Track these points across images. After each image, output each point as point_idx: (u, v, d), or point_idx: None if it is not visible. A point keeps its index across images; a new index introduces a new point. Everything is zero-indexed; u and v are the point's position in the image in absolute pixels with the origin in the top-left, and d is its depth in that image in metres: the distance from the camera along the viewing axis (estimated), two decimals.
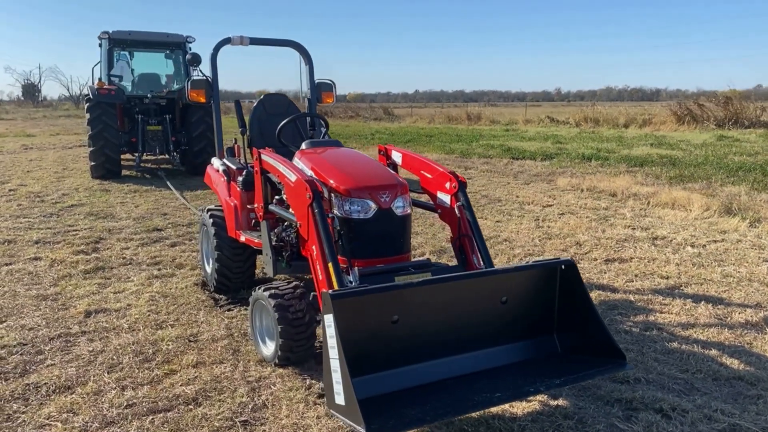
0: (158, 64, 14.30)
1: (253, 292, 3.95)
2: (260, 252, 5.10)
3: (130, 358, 3.89)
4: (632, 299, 4.92)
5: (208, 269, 5.37)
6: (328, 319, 2.77)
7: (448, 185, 3.95)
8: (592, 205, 9.08)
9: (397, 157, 4.56)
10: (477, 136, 22.31)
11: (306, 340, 3.72)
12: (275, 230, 4.24)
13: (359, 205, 3.67)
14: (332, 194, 3.71)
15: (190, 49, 13.76)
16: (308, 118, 5.67)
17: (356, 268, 3.42)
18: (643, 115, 26.06)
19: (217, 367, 3.75)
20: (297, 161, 4.15)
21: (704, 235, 7.05)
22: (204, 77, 5.42)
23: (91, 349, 4.04)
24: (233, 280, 5.12)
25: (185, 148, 12.96)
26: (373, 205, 3.69)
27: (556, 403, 3.29)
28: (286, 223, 4.22)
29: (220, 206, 5.27)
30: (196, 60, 5.40)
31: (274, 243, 4.22)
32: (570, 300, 3.38)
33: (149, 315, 4.66)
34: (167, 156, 13.22)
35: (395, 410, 2.74)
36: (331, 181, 3.73)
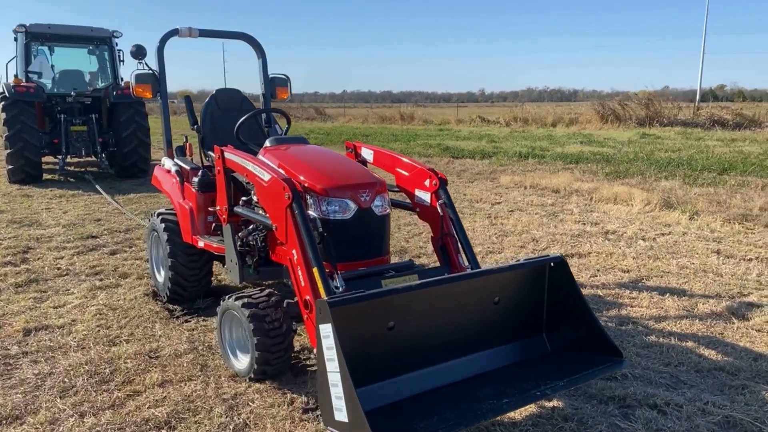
0: (81, 61, 13.40)
1: (221, 302, 3.64)
2: (219, 258, 4.79)
3: (84, 379, 3.50)
4: (601, 294, 4.94)
5: (160, 278, 4.98)
6: (326, 329, 2.55)
7: (427, 183, 3.79)
8: (538, 202, 9.19)
9: (367, 154, 4.36)
10: (413, 135, 22.37)
11: (284, 351, 3.47)
12: (239, 234, 3.96)
13: (338, 205, 3.45)
14: (307, 194, 3.47)
15: (117, 44, 13.00)
16: (263, 115, 5.38)
17: (340, 272, 3.20)
18: (569, 114, 26.99)
19: (186, 385, 3.43)
20: (263, 160, 3.87)
21: (651, 229, 7.25)
22: (150, 71, 5.03)
23: (36, 371, 3.61)
24: (189, 289, 4.77)
25: (113, 150, 12.21)
26: (352, 205, 3.48)
27: (551, 404, 3.19)
28: (252, 227, 3.94)
29: (172, 210, 4.90)
30: (140, 52, 4.98)
31: (239, 248, 3.94)
32: (560, 298, 3.30)
33: (99, 330, 4.25)
34: (94, 158, 12.42)
35: (402, 424, 2.55)
36: (306, 180, 3.48)
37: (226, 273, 4.09)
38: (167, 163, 4.96)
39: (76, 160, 13.12)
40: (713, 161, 13.00)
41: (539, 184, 10.63)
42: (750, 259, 5.89)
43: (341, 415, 2.51)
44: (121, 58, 13.04)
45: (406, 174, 3.97)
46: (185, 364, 3.69)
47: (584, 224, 7.61)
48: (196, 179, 4.56)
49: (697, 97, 47.77)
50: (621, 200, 9.05)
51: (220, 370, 3.63)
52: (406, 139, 20.39)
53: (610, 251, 6.24)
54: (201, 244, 4.41)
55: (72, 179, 12.18)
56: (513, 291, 3.28)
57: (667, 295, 4.87)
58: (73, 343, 4.03)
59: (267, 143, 4.16)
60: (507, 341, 3.26)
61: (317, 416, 3.13)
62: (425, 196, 3.83)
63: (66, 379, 3.50)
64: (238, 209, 3.88)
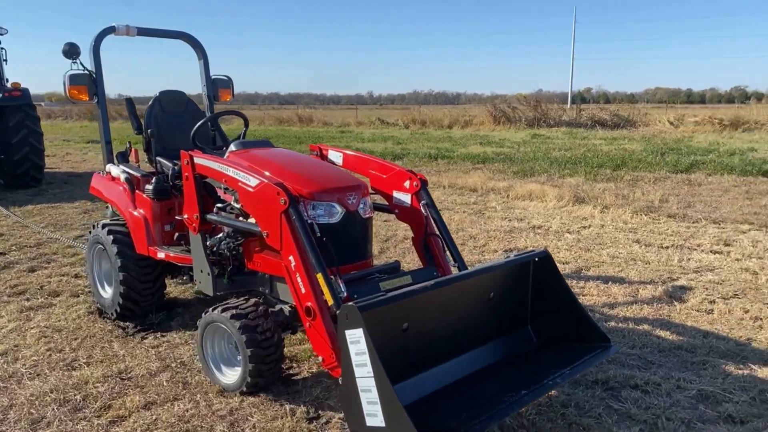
0: None
1: (203, 315, 3.46)
2: (175, 270, 4.54)
3: (54, 409, 3.19)
4: None
5: (106, 294, 4.63)
6: (355, 334, 2.52)
7: (407, 184, 3.82)
8: (461, 201, 9.50)
9: (336, 157, 4.30)
10: (316, 137, 22.24)
11: (276, 362, 3.36)
12: (208, 243, 3.78)
13: (324, 209, 3.40)
14: None
15: (0, 42, 11.85)
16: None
17: (337, 275, 3.15)
18: (464, 116, 28.02)
19: (174, 405, 3.23)
20: (242, 164, 3.72)
21: (572, 223, 7.74)
22: (85, 71, 4.66)
23: None
24: (142, 303, 4.47)
25: (2, 158, 11.11)
26: (339, 209, 3.44)
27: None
28: (222, 234, 3.78)
29: (120, 220, 4.57)
30: (74, 51, 4.61)
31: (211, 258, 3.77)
32: (545, 290, 3.46)
33: (50, 355, 3.88)
34: None
35: (434, 423, 2.57)
36: (291, 185, 3.39)
37: (196, 285, 3.87)
38: (114, 170, 4.62)
39: None
40: (604, 159, 14.06)
41: (456, 183, 10.98)
42: (666, 247, 6.46)
43: (376, 420, 2.49)
44: (5, 57, 11.93)
45: (383, 176, 3.97)
46: (165, 383, 3.47)
47: (511, 220, 7.97)
48: (150, 187, 4.29)
49: (569, 99, 51.44)
50: (536, 197, 9.56)
51: (204, 386, 3.45)
52: (311, 142, 20.21)
53: (545, 245, 6.59)
54: (161, 255, 4.15)
55: None
56: (504, 286, 3.39)
57: (610, 283, 5.24)
58: (25, 371, 3.65)
59: (232, 147, 4.01)
60: (501, 335, 3.37)
61: (323, 424, 3.07)
62: (405, 198, 3.86)
63: (32, 410, 3.17)
64: (212, 217, 3.70)
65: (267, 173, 3.46)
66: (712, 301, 4.74)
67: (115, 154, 4.85)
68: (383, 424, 2.45)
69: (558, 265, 5.74)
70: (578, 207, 8.74)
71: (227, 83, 5.52)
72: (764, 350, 3.84)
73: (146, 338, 4.21)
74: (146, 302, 4.49)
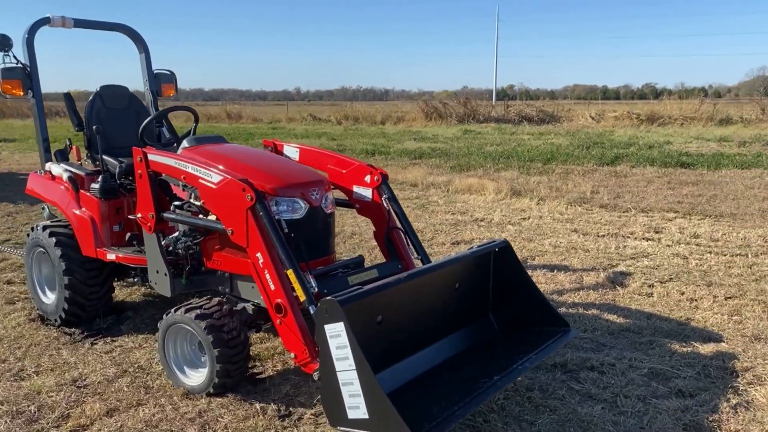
0: None
1: (165, 317, 3.36)
2: (122, 272, 4.37)
3: (7, 421, 3.01)
4: None
5: (48, 300, 4.40)
6: (335, 329, 2.52)
7: (368, 179, 3.84)
8: (403, 195, 9.59)
9: (291, 152, 4.26)
10: (247, 134, 21.81)
11: (243, 361, 3.31)
12: (163, 242, 3.67)
13: (288, 205, 3.37)
14: None
15: None
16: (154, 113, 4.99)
17: (308, 271, 3.13)
18: (396, 113, 28.25)
19: (139, 410, 3.11)
20: (200, 160, 3.62)
21: (513, 215, 7.99)
22: (19, 65, 4.40)
23: None
24: (88, 308, 4.28)
25: None
26: (303, 204, 3.42)
27: None
28: (177, 233, 3.67)
29: (61, 222, 4.35)
30: (5, 43, 4.33)
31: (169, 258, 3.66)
32: (505, 279, 3.57)
33: None
34: None
35: (418, 410, 2.61)
36: (252, 181, 3.34)
37: (151, 286, 3.74)
38: (55, 169, 4.39)
39: None
40: (534, 153, 14.56)
41: (396, 178, 11.07)
42: (603, 236, 6.78)
43: (358, 412, 2.51)
44: None
45: (342, 171, 3.97)
46: (125, 389, 3.34)
47: (454, 214, 8.14)
48: (96, 186, 4.11)
49: (494, 96, 52.91)
50: (475, 190, 9.79)
51: (167, 389, 3.35)
52: (243, 139, 19.84)
53: (490, 236, 6.77)
54: (111, 256, 3.99)
55: None
56: (468, 277, 3.48)
57: (555, 271, 5.45)
58: None
59: (185, 143, 3.89)
60: (466, 323, 3.46)
61: (295, 421, 3.06)
62: (366, 192, 3.88)
63: None
64: (170, 215, 3.59)
65: (226, 170, 3.39)
66: (651, 285, 5.03)
67: (53, 153, 4.60)
68: (366, 416, 2.47)
69: None
70: (516, 199, 9.03)
71: (170, 78, 5.35)
72: (702, 329, 4.12)
73: (96, 344, 4.04)
74: (93, 307, 4.31)
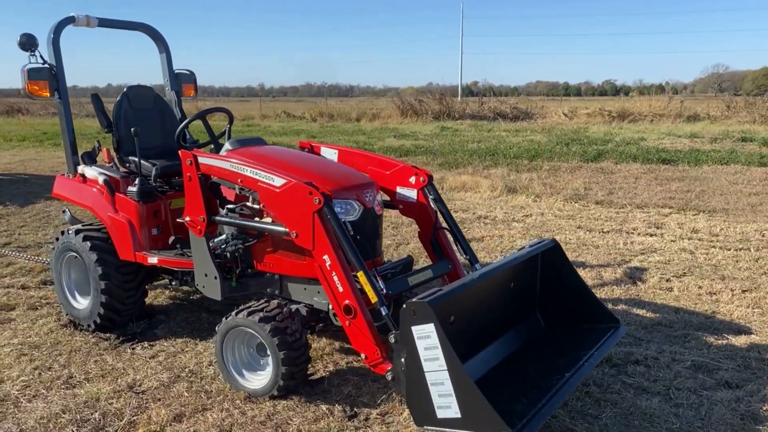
0: None
1: (224, 320, 3.34)
2: (156, 275, 4.33)
3: (73, 430, 2.96)
4: None
5: (79, 305, 4.31)
6: (424, 330, 2.57)
7: (413, 180, 3.88)
8: None
9: (330, 154, 4.26)
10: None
11: (305, 362, 3.32)
12: (210, 245, 3.65)
13: (343, 207, 3.39)
14: None
15: None
16: (179, 115, 4.95)
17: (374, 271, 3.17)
18: (371, 109, 28.25)
19: (206, 415, 3.10)
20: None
21: (514, 212, 8.12)
22: (45, 65, 4.30)
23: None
24: (124, 313, 4.22)
25: None
26: (357, 206, 3.45)
27: None
28: (224, 236, 3.65)
29: (95, 225, 4.27)
30: (31, 43, 4.22)
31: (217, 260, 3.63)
32: (552, 277, 3.66)
33: (39, 373, 3.57)
34: None
35: (502, 408, 2.66)
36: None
37: (198, 289, 3.70)
38: (89, 172, 4.29)
39: None
40: (517, 150, 14.76)
41: None
42: (607, 232, 6.97)
43: (449, 411, 2.56)
44: None
45: (385, 172, 4.00)
46: (185, 394, 3.32)
47: (456, 211, 8.22)
48: (134, 189, 4.05)
49: (459, 93, 53.27)
50: (469, 188, 9.91)
51: (227, 393, 3.33)
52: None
53: (499, 234, 6.89)
54: (153, 260, 3.94)
55: None
56: (519, 276, 3.56)
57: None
58: (17, 393, 3.35)
59: (228, 145, 3.87)
60: (518, 322, 3.54)
61: (363, 421, 3.09)
62: (410, 193, 3.91)
63: None
64: (222, 218, 3.57)
65: (288, 173, 3.38)
66: (668, 280, 5.20)
67: (80, 155, 4.50)
68: (458, 415, 2.53)
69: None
70: (512, 196, 9.17)
71: (190, 77, 5.29)
72: (729, 321, 4.29)
73: (135, 348, 3.98)
74: (128, 311, 4.25)
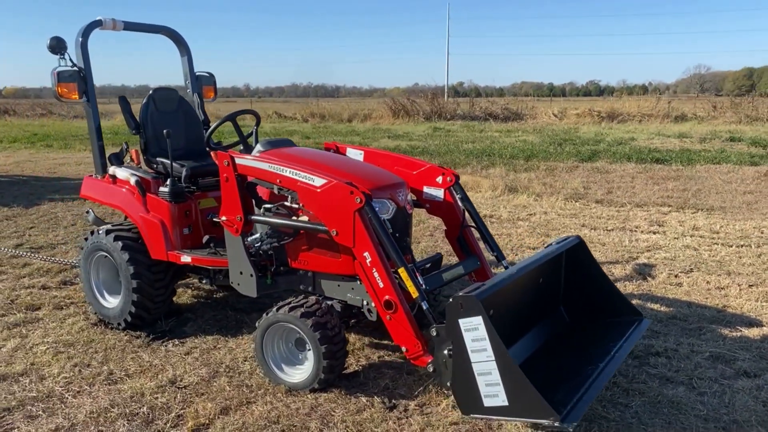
0: None
1: (265, 316, 3.45)
2: (185, 273, 4.42)
3: (125, 424, 3.04)
4: None
5: (109, 304, 4.38)
6: (471, 323, 2.69)
7: (440, 179, 4.00)
8: None
9: (355, 154, 4.37)
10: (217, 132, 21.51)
11: (344, 356, 3.44)
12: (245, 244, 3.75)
13: (379, 206, 3.51)
14: None
15: None
16: (203, 117, 5.04)
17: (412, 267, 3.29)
18: (363, 110, 28.35)
19: (252, 408, 3.20)
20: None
21: (517, 210, 8.27)
22: (75, 68, 4.36)
23: (53, 427, 3.03)
24: (153, 311, 4.30)
25: None
26: (392, 205, 3.57)
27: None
28: (258, 235, 3.75)
29: (125, 225, 4.34)
30: (60, 46, 4.29)
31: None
32: (576, 272, 3.81)
33: (79, 370, 3.65)
34: None
35: (546, 396, 2.79)
36: None
37: (234, 287, 3.79)
38: (120, 173, 4.36)
39: None
40: (512, 150, 14.95)
41: None
42: (611, 230, 7.14)
43: (496, 400, 2.68)
44: None
45: (412, 172, 4.12)
46: (227, 388, 3.41)
47: None
48: (166, 189, 4.13)
49: (446, 93, 53.50)
50: (470, 188, 10.04)
51: (268, 387, 3.43)
52: (216, 138, 19.56)
53: (507, 233, 7.03)
54: (186, 259, 4.03)
55: None
56: (546, 271, 3.69)
57: None
58: (60, 389, 3.42)
59: (259, 147, 3.97)
60: (545, 316, 3.68)
61: (402, 412, 3.20)
62: (437, 193, 4.04)
63: (101, 428, 3.01)
64: (259, 218, 3.66)
65: (328, 173, 3.48)
66: (677, 276, 5.38)
67: (107, 156, 4.57)
68: (506, 403, 2.65)
69: (528, 251, 6.23)
70: (513, 196, 9.33)
71: (210, 80, 5.37)
72: (741, 315, 4.47)
73: (167, 345, 4.06)
74: (158, 309, 4.33)
